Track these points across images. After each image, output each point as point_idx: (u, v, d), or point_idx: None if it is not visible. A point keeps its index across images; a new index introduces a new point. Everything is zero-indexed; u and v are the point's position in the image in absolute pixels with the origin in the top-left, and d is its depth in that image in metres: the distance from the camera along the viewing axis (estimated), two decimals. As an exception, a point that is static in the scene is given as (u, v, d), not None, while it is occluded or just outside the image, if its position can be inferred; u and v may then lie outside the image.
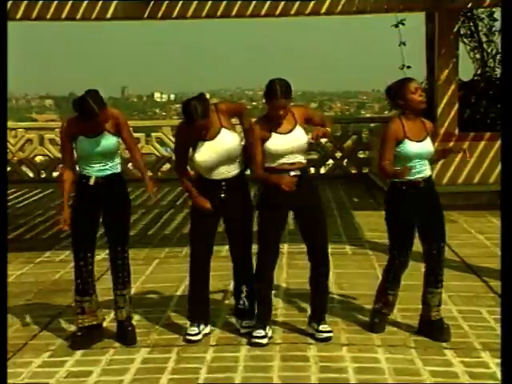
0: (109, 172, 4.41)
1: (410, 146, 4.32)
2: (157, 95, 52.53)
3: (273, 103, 4.29)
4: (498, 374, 3.90)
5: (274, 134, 4.35)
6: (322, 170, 12.27)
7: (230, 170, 4.47)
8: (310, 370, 4.03)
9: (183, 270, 6.18)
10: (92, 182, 4.39)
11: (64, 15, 8.55)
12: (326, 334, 4.41)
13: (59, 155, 12.34)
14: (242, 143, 4.53)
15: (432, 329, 4.44)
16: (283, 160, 4.36)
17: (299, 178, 4.35)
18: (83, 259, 4.43)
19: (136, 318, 4.88)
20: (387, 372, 3.97)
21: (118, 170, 4.48)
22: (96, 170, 4.39)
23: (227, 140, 4.41)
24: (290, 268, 6.17)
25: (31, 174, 12.53)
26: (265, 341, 4.37)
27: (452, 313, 4.87)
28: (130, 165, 10.23)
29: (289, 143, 4.34)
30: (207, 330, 4.59)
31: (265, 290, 4.49)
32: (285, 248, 6.88)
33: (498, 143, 9.00)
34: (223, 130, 4.41)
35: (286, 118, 4.36)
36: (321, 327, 4.44)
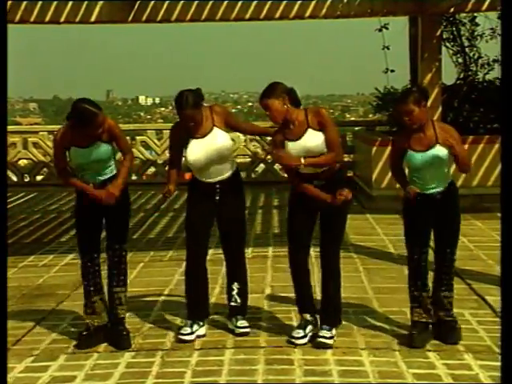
0: (107, 176, 4.42)
1: (412, 157, 4.33)
2: (142, 98, 52.32)
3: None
4: (481, 376, 3.94)
5: (286, 142, 4.30)
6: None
7: (223, 172, 4.49)
8: (294, 373, 4.03)
9: (168, 273, 6.19)
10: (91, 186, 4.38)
11: (48, 18, 8.51)
12: (319, 340, 4.37)
13: (43, 159, 12.31)
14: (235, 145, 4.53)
15: (441, 330, 4.46)
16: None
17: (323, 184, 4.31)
18: (90, 261, 4.49)
19: (120, 323, 4.87)
20: (371, 375, 3.99)
21: (114, 173, 4.47)
22: (92, 177, 4.40)
23: (219, 139, 4.42)
24: (275, 271, 6.18)
25: (15, 178, 12.45)
26: (304, 340, 4.38)
27: (433, 319, 4.88)
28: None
29: (300, 151, 4.27)
30: (202, 331, 4.57)
31: (301, 291, 4.51)
32: (269, 251, 6.90)
33: (481, 147, 9.09)
34: (215, 128, 4.43)
35: (299, 123, 4.28)
36: (319, 332, 4.42)
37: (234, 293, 4.66)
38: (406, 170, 4.52)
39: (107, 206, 4.40)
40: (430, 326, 4.48)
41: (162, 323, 4.90)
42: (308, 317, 4.46)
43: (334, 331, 4.43)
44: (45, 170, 12.36)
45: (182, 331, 4.51)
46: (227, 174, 4.51)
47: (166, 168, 12.90)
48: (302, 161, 4.24)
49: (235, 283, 4.68)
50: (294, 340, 4.39)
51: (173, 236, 7.96)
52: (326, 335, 4.38)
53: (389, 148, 8.98)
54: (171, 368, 4.15)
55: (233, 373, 4.05)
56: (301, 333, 4.40)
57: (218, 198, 4.51)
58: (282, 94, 4.25)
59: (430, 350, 4.31)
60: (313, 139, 4.27)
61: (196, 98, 4.34)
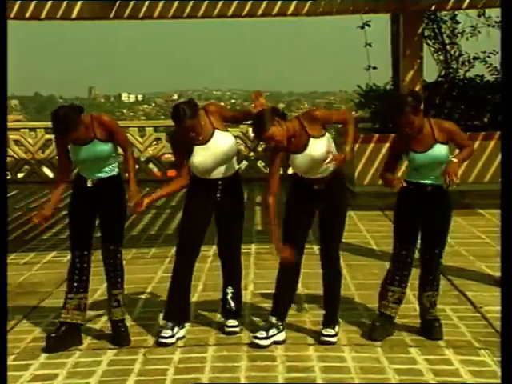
0: (104, 175, 4.40)
1: (414, 157, 4.34)
2: (124, 95, 52.08)
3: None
4: (461, 371, 3.98)
5: (293, 156, 4.29)
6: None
7: (227, 170, 4.48)
8: (277, 369, 4.05)
9: (150, 271, 6.18)
10: (89, 184, 4.38)
11: (28, 14, 8.45)
12: (326, 338, 4.39)
13: (24, 156, 12.22)
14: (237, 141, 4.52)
15: (425, 327, 4.51)
16: (310, 175, 4.33)
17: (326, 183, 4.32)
18: (79, 257, 4.47)
19: (102, 320, 4.85)
20: (353, 370, 4.01)
21: (115, 172, 4.45)
22: (91, 173, 4.39)
23: (221, 141, 4.41)
24: (258, 268, 6.20)
25: (-5, 176, 12.34)
26: (267, 342, 4.33)
27: (417, 311, 4.92)
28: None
29: (307, 161, 4.26)
30: (181, 333, 4.53)
31: (281, 294, 4.49)
32: (252, 248, 6.90)
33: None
34: (216, 131, 4.41)
35: (298, 134, 4.24)
36: (323, 330, 4.43)
37: (229, 297, 4.64)
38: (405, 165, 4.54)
39: (102, 205, 4.40)
40: (393, 320, 4.51)
41: (144, 321, 4.90)
42: (274, 320, 4.44)
43: (337, 328, 4.46)
44: (26, 167, 12.27)
45: (163, 334, 4.46)
46: (230, 172, 4.50)
47: (149, 165, 12.89)
48: (347, 150, 4.21)
49: (229, 287, 4.65)
50: (256, 340, 4.36)
51: (155, 233, 7.95)
52: (330, 333, 4.40)
53: (371, 145, 9.16)
54: (153, 365, 4.14)
55: (215, 370, 4.06)
56: (263, 334, 4.37)
57: (218, 195, 4.48)
58: (274, 118, 4.19)
59: (411, 346, 4.34)
60: (317, 148, 4.25)
61: (192, 108, 4.31)
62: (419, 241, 4.54)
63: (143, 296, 5.50)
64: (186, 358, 4.23)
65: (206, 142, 4.40)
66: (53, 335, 4.41)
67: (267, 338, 4.36)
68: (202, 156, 4.39)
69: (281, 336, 4.42)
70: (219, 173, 4.46)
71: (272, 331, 4.39)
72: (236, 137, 12.00)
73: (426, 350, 4.27)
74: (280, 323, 4.44)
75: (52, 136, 11.45)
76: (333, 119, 4.42)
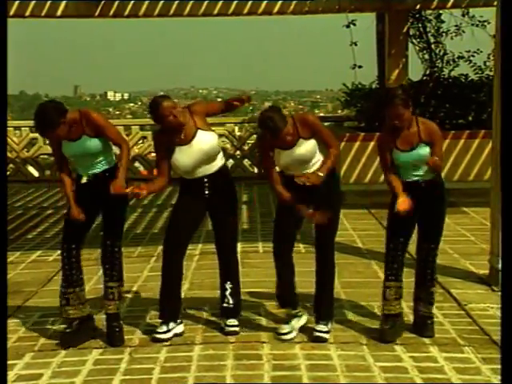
0: (99, 169, 4.39)
1: (397, 155, 4.34)
2: (110, 94, 51.86)
3: None
4: (446, 368, 4.01)
5: (279, 151, 4.33)
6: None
7: (211, 168, 4.47)
8: (262, 368, 4.05)
9: (136, 270, 6.16)
10: (84, 180, 4.38)
11: (12, 12, 8.39)
12: (317, 334, 4.42)
13: (9, 155, 12.12)
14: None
15: (417, 324, 4.53)
16: (292, 172, 4.36)
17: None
18: (66, 251, 4.46)
19: (88, 320, 4.84)
20: (339, 368, 4.02)
21: (111, 165, 4.42)
22: (86, 169, 4.38)
23: (203, 142, 4.40)
24: (243, 267, 6.17)
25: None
26: (290, 336, 4.41)
27: (402, 309, 4.95)
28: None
29: (292, 159, 4.31)
30: (179, 329, 4.53)
31: (283, 288, 4.54)
32: (238, 247, 6.89)
33: (447, 142, 9.20)
34: (199, 131, 4.41)
35: (291, 133, 4.27)
36: (317, 326, 4.46)
37: (227, 293, 4.62)
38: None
39: (101, 200, 4.37)
40: (400, 317, 4.50)
41: (130, 320, 4.88)
42: (291, 311, 4.51)
43: (330, 325, 4.48)
44: (11, 166, 12.19)
45: (158, 329, 4.46)
46: (214, 169, 4.49)
47: (135, 164, 12.83)
48: (321, 174, 4.23)
49: (228, 282, 4.64)
50: (280, 336, 4.41)
51: (141, 232, 7.93)
52: (323, 329, 4.42)
53: (357, 143, 9.19)
54: (139, 365, 4.13)
55: (202, 368, 4.06)
56: (286, 328, 4.43)
57: (207, 192, 4.48)
58: (283, 115, 4.24)
59: (397, 344, 4.36)
60: (304, 148, 4.30)
61: (170, 99, 4.39)
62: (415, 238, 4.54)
63: (129, 295, 5.48)
64: (172, 357, 4.22)
65: (188, 141, 4.39)
66: (68, 330, 4.43)
67: (290, 331, 4.44)
68: (183, 156, 4.38)
69: (303, 320, 4.53)
70: (202, 171, 4.46)
71: (294, 321, 4.49)
72: (222, 135, 12.09)
73: (411, 348, 4.29)
74: (298, 310, 4.53)
75: (37, 134, 11.41)
76: (322, 134, 4.36)
